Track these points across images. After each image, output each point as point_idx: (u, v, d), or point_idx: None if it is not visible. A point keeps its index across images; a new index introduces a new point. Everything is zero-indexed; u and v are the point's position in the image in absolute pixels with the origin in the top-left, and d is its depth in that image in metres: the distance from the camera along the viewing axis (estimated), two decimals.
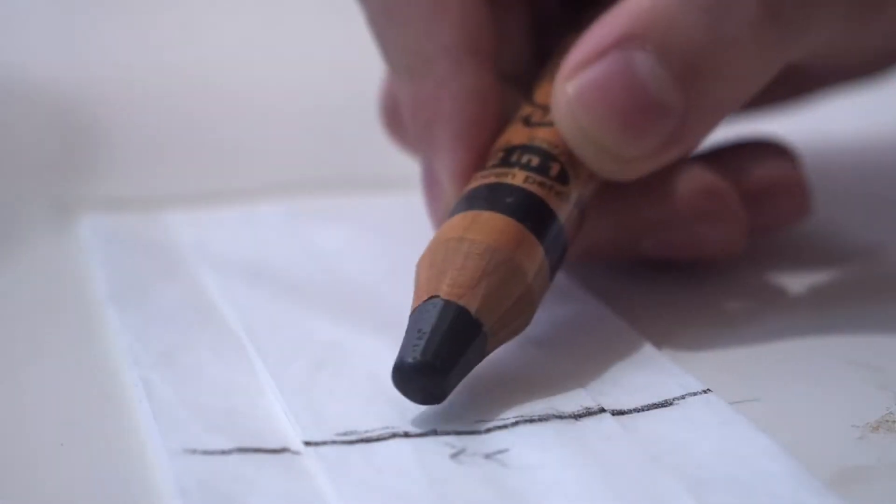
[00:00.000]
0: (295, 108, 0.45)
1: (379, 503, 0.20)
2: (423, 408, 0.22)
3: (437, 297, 0.23)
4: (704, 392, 0.23)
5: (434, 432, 0.22)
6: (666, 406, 0.23)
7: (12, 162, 0.38)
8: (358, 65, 0.51)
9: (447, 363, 0.22)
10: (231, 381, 0.24)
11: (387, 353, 0.24)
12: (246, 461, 0.21)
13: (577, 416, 0.22)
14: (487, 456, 0.21)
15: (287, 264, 0.29)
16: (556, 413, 0.22)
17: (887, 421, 0.22)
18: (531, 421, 0.22)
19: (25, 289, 0.29)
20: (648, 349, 0.25)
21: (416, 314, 0.23)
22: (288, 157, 0.39)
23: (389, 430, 0.22)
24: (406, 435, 0.22)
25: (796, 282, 0.29)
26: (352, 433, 0.22)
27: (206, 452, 0.21)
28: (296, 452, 0.21)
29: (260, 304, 0.27)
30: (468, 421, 0.22)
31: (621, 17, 0.25)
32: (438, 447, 0.21)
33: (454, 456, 0.21)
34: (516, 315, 0.23)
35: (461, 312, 0.22)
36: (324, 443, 0.21)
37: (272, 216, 0.32)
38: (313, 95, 0.46)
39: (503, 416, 0.22)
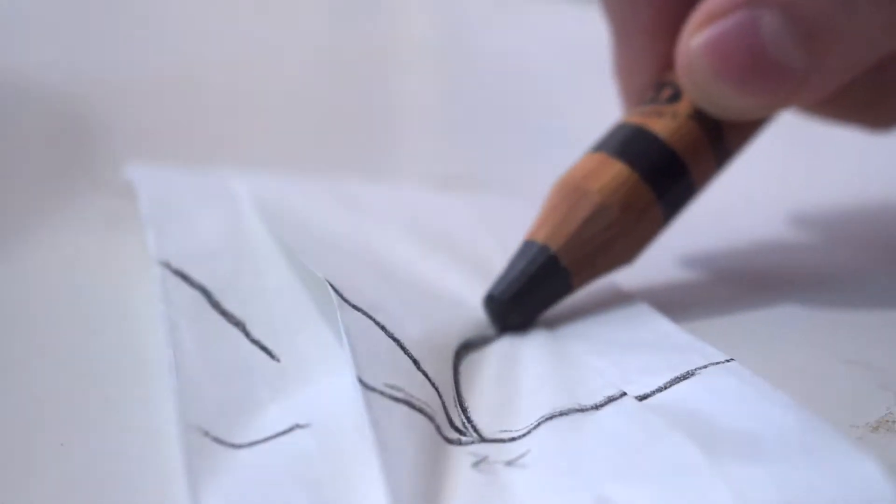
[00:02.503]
0: (296, 107, 0.45)
1: (412, 470, 0.20)
2: (451, 412, 0.22)
3: (532, 241, 0.26)
4: (727, 361, 0.23)
5: (459, 442, 0.22)
6: (688, 377, 0.23)
7: (12, 162, 0.38)
8: (358, 65, 0.52)
9: (517, 297, 0.25)
10: (252, 360, 0.23)
11: (436, 327, 0.24)
12: (255, 452, 0.21)
13: (598, 406, 0.22)
14: (508, 463, 0.21)
15: (333, 235, 0.29)
16: (578, 407, 0.22)
17: (887, 421, 0.22)
18: (552, 417, 0.22)
19: (25, 288, 0.29)
20: (674, 330, 0.25)
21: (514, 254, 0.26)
22: (288, 157, 0.39)
23: (430, 411, 0.22)
24: (438, 431, 0.21)
25: (796, 281, 0.29)
26: (399, 389, 0.22)
27: (218, 441, 0.21)
28: (304, 426, 0.21)
29: (300, 272, 0.27)
30: (493, 430, 0.22)
31: None
32: (461, 455, 0.21)
33: (476, 464, 0.21)
34: (608, 258, 0.26)
35: (538, 250, 0.26)
36: (374, 389, 0.21)
37: (322, 190, 0.32)
38: (314, 94, 0.46)
39: (528, 422, 0.22)
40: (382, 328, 0.23)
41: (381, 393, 0.21)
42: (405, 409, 0.21)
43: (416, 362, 0.23)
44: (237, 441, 0.21)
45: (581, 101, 0.46)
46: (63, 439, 0.22)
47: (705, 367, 0.23)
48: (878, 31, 0.26)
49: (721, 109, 0.27)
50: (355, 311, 0.23)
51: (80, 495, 0.21)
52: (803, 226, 0.33)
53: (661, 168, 0.27)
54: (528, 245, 0.26)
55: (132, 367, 0.24)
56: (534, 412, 0.22)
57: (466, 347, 0.25)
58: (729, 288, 0.29)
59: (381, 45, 0.57)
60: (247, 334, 0.24)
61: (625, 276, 0.28)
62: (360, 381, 0.21)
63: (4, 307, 0.28)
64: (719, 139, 0.27)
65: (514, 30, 0.59)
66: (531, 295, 0.26)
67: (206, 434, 0.21)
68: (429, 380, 0.23)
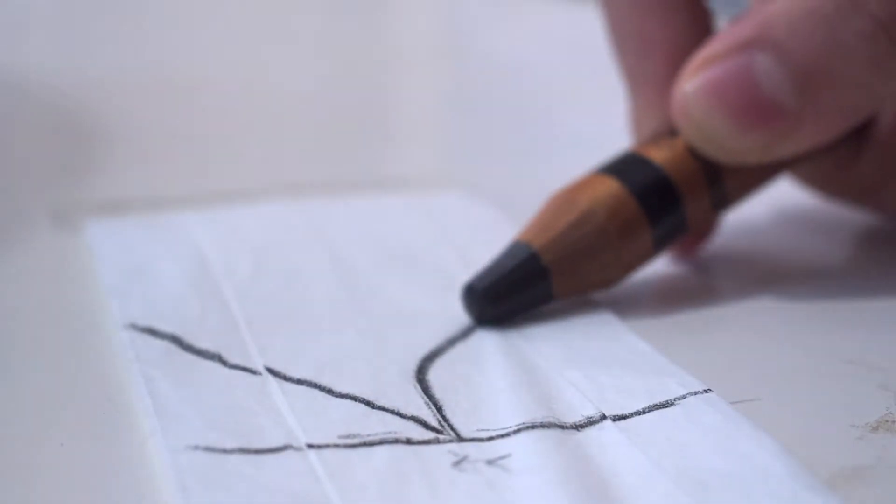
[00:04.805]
0: (295, 107, 0.45)
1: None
2: (424, 416, 0.23)
3: (517, 241, 0.27)
4: (705, 391, 0.23)
5: (436, 441, 0.22)
6: (667, 406, 0.23)
7: (12, 162, 0.38)
8: (358, 65, 0.52)
9: (493, 289, 0.26)
10: (234, 379, 0.24)
11: (392, 354, 0.25)
12: (248, 461, 0.21)
13: (578, 427, 0.22)
14: (490, 462, 0.21)
15: (294, 261, 0.29)
16: (557, 423, 0.22)
17: (887, 421, 0.22)
18: (533, 427, 0.22)
19: (25, 289, 0.29)
20: (648, 351, 0.25)
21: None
22: (288, 157, 0.39)
23: (392, 436, 0.22)
24: (408, 442, 0.22)
25: (796, 281, 0.29)
26: (354, 436, 0.22)
27: (207, 449, 0.21)
28: (298, 449, 0.21)
29: (265, 301, 0.27)
30: (470, 429, 0.22)
31: (747, 24, 0.27)
32: (440, 455, 0.21)
33: (456, 464, 0.21)
34: (592, 267, 0.27)
35: (521, 247, 0.26)
36: (326, 446, 0.21)
37: (279, 213, 0.32)
38: (314, 95, 0.46)
39: (505, 424, 0.22)
40: (329, 391, 0.23)
41: (335, 446, 0.21)
42: (363, 450, 0.21)
43: (369, 403, 0.23)
44: (228, 446, 0.21)
45: (581, 101, 0.46)
46: (63, 439, 0.22)
47: (684, 397, 0.23)
48: (873, 78, 0.27)
49: (716, 149, 0.27)
50: (299, 387, 0.24)
51: (80, 495, 0.21)
52: (803, 225, 0.33)
53: (652, 189, 0.27)
54: (513, 244, 0.27)
55: (133, 373, 0.24)
56: (510, 416, 0.22)
57: (431, 357, 0.25)
58: (728, 288, 0.29)
59: (382, 45, 0.57)
60: (224, 363, 0.24)
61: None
62: (309, 446, 0.21)
63: (4, 306, 0.28)
64: (717, 179, 0.28)
65: (514, 30, 0.59)
66: (509, 289, 0.26)
67: (196, 447, 0.21)
68: (387, 410, 0.23)
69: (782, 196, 0.33)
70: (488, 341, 0.26)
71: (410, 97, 0.50)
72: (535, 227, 0.27)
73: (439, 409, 0.23)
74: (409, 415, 0.23)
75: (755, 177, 0.29)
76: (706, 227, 0.29)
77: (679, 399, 0.23)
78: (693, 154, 0.28)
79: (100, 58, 0.51)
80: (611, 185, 0.27)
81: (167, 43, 0.54)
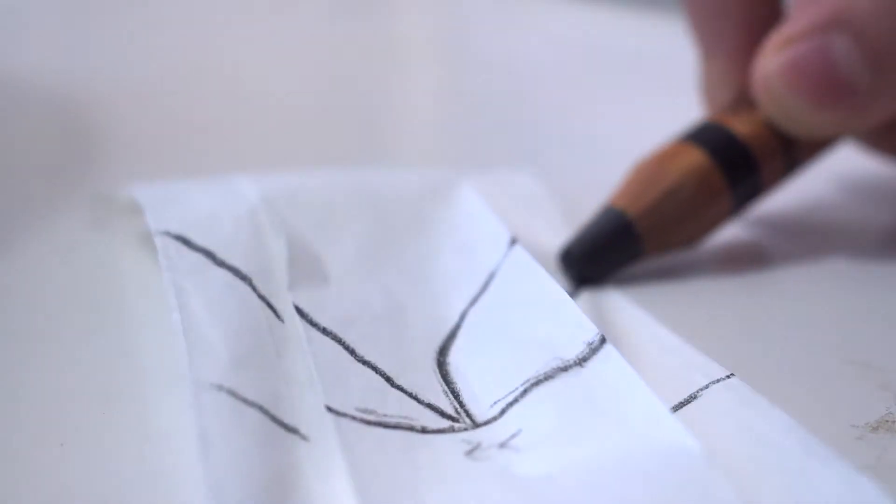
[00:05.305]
0: (295, 107, 0.45)
1: (389, 491, 0.20)
2: (440, 405, 0.22)
3: (611, 206, 0.29)
4: (728, 377, 0.23)
5: (451, 429, 0.22)
6: (692, 401, 0.23)
7: (11, 162, 0.38)
8: (358, 65, 0.52)
9: (591, 253, 0.28)
10: (261, 316, 0.23)
11: (416, 327, 0.24)
12: (262, 425, 0.21)
13: (581, 361, 0.22)
14: (501, 445, 0.21)
15: (334, 206, 0.29)
16: (561, 365, 0.22)
17: (887, 421, 0.22)
18: (538, 382, 0.22)
19: (25, 288, 0.29)
20: (672, 339, 0.25)
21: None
22: (288, 157, 0.39)
23: (407, 421, 0.22)
24: (423, 430, 0.22)
25: (795, 281, 0.29)
26: (371, 412, 0.22)
27: (230, 392, 0.21)
28: (304, 437, 0.21)
29: (300, 242, 0.27)
30: (484, 408, 0.22)
31: (825, 4, 0.29)
32: (454, 444, 0.21)
33: (469, 453, 0.21)
34: (678, 230, 0.29)
35: (616, 214, 0.28)
36: (345, 415, 0.21)
37: (325, 174, 0.32)
38: (314, 95, 0.47)
39: (512, 385, 0.22)
40: (352, 352, 0.23)
41: (353, 418, 0.21)
42: (379, 431, 0.21)
43: (388, 380, 0.23)
44: (249, 397, 0.21)
45: (581, 101, 0.46)
46: (63, 439, 0.22)
47: (706, 387, 0.23)
48: None
49: (794, 124, 0.29)
50: (324, 337, 0.23)
51: (80, 495, 0.21)
52: (802, 224, 0.33)
53: (734, 161, 0.29)
54: (607, 210, 0.29)
55: (132, 367, 0.24)
56: (516, 372, 0.22)
57: (452, 336, 0.25)
58: (728, 287, 0.29)
59: (381, 45, 0.57)
60: (254, 289, 0.24)
61: (631, 269, 0.29)
62: (329, 409, 0.21)
63: (3, 306, 0.28)
64: (790, 148, 0.30)
65: (515, 30, 0.59)
66: (605, 253, 0.28)
67: (221, 388, 0.21)
68: (405, 392, 0.23)
69: (784, 197, 0.33)
70: (507, 290, 0.25)
71: (410, 97, 0.51)
72: (628, 195, 0.29)
73: (456, 396, 0.23)
74: (426, 402, 0.23)
75: (824, 145, 0.31)
76: (774, 188, 0.31)
77: (702, 390, 0.23)
78: (770, 126, 0.30)
79: (99, 57, 0.51)
80: (698, 157, 0.29)
81: (167, 43, 0.54)
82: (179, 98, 0.45)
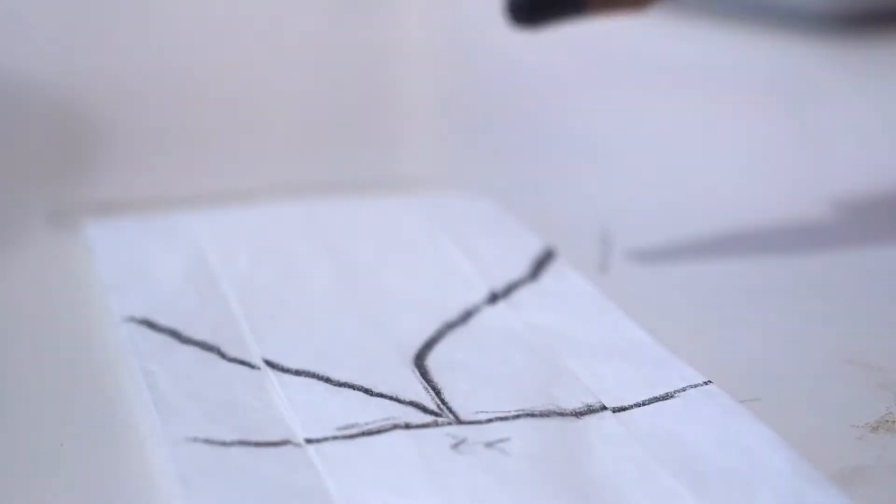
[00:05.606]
0: (295, 108, 0.45)
1: (380, 497, 0.20)
2: (422, 400, 0.23)
3: None
4: (705, 384, 0.23)
5: (435, 423, 0.22)
6: (667, 399, 0.23)
7: (11, 162, 0.38)
8: (358, 65, 0.51)
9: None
10: (233, 372, 0.24)
11: (390, 342, 0.25)
12: (247, 453, 0.21)
13: (578, 414, 0.22)
14: (488, 444, 0.21)
15: (292, 255, 0.29)
16: (557, 410, 0.22)
17: (887, 421, 0.22)
18: (532, 415, 0.22)
19: (25, 289, 0.29)
20: (649, 342, 0.25)
21: None
22: (288, 158, 0.39)
23: (390, 422, 0.22)
24: (407, 426, 0.22)
25: (795, 281, 0.29)
26: (352, 426, 0.22)
27: (207, 441, 0.21)
28: (297, 445, 0.21)
29: (263, 294, 0.27)
30: (468, 412, 0.22)
31: None
32: (439, 438, 0.21)
33: (455, 446, 0.21)
34: None
35: None
36: (325, 439, 0.21)
37: (277, 212, 0.32)
38: (313, 95, 0.46)
39: (504, 408, 0.22)
40: (327, 380, 0.24)
41: (334, 438, 0.21)
42: (362, 440, 0.21)
43: (367, 391, 0.23)
44: (227, 439, 0.21)
45: (581, 101, 0.46)
46: (63, 439, 0.22)
47: (684, 389, 0.23)
48: None
49: None
50: (297, 377, 0.24)
51: (80, 495, 0.21)
52: (802, 224, 0.33)
53: None
54: None
55: (132, 367, 0.24)
56: (510, 402, 0.23)
57: (430, 344, 0.25)
58: (728, 288, 0.29)
59: (381, 45, 0.57)
60: (222, 355, 0.24)
61: (617, 273, 0.28)
62: (307, 441, 0.21)
63: (3, 306, 0.28)
64: None
65: (514, 30, 0.59)
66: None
67: (195, 439, 0.21)
68: (385, 397, 0.23)
69: (781, 193, 0.33)
70: (488, 327, 0.26)
71: (410, 97, 0.50)
72: None
73: (438, 393, 0.23)
74: (407, 400, 0.23)
75: None
76: None
77: (679, 392, 0.23)
78: None
79: (99, 57, 0.51)
80: None
81: (167, 43, 0.54)
82: (179, 98, 0.45)
